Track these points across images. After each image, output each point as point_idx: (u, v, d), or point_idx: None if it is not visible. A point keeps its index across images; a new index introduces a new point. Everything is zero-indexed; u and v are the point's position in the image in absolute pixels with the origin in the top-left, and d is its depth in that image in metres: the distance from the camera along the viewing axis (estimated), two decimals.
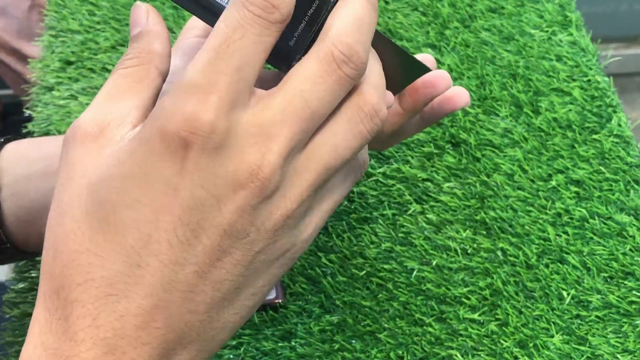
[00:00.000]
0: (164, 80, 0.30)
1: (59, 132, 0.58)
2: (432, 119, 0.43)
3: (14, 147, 0.46)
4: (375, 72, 0.29)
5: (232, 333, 0.29)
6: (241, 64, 0.25)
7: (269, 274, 0.28)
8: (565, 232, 0.53)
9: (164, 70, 0.30)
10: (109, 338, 0.25)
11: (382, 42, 0.34)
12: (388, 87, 0.38)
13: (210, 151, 0.24)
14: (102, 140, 0.27)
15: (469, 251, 0.52)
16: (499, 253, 0.52)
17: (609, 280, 0.51)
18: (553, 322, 0.49)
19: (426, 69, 0.39)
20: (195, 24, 0.40)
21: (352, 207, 0.55)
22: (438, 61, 0.62)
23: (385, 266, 0.52)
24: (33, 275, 0.52)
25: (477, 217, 0.54)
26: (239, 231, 0.25)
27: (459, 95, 0.41)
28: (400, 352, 0.49)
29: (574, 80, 0.61)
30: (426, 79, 0.39)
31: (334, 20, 0.27)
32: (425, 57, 0.42)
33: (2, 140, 0.46)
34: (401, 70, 0.38)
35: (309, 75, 0.26)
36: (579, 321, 0.49)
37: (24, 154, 0.45)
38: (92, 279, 0.25)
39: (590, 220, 0.53)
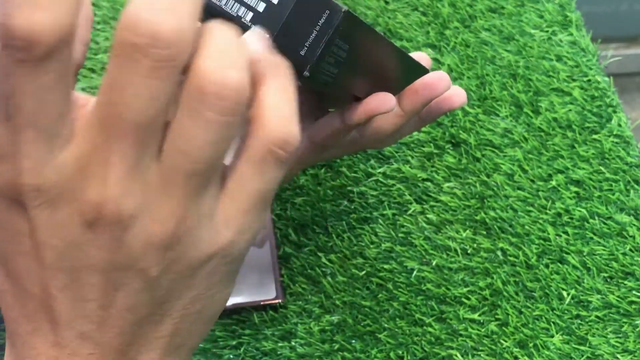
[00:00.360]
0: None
1: None
2: (430, 118, 0.43)
3: None
4: (215, 37, 0.22)
5: (201, 335, 0.27)
6: (35, 110, 0.21)
7: (201, 282, 0.25)
8: (565, 232, 0.53)
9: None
10: None
11: (381, 43, 0.34)
12: (388, 89, 0.38)
13: (45, 205, 0.22)
14: None
15: (469, 251, 0.52)
16: (499, 253, 0.52)
17: (609, 280, 0.51)
18: (553, 322, 0.49)
19: (425, 70, 0.39)
20: None
21: (352, 207, 0.55)
22: (438, 61, 0.62)
23: (385, 266, 0.52)
24: None
25: (477, 217, 0.54)
26: (120, 265, 0.23)
27: (457, 95, 0.41)
28: (400, 352, 0.48)
29: (574, 80, 0.61)
30: (425, 81, 0.39)
31: None
32: (420, 55, 0.42)
33: None
34: (400, 71, 0.38)
35: (113, 81, 0.21)
36: (579, 321, 0.49)
37: None
38: (16, 316, 0.25)
39: (590, 220, 0.53)
